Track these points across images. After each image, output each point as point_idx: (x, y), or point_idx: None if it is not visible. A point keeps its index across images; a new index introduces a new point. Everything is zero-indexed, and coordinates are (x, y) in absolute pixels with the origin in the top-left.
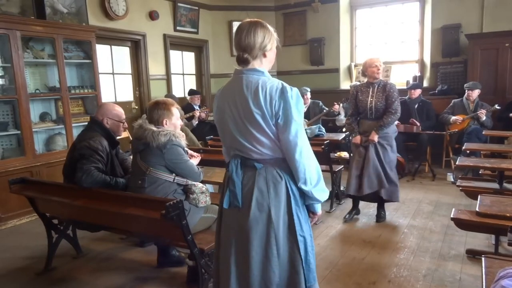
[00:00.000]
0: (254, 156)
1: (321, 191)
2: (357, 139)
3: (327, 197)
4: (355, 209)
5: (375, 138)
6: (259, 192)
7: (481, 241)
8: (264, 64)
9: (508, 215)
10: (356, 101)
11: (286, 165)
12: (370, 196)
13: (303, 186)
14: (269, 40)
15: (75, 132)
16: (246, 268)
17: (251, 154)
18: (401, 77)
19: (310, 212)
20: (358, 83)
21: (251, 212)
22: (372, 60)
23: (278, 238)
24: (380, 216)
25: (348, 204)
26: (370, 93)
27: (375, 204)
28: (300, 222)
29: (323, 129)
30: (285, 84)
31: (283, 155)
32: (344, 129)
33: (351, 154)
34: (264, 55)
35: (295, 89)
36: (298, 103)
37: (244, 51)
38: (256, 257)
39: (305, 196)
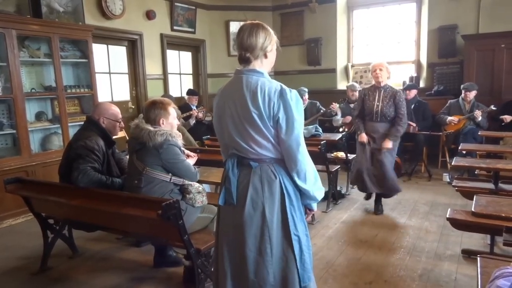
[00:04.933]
0: (251, 155)
1: (319, 189)
2: (363, 137)
3: (323, 195)
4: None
5: (390, 145)
6: (253, 190)
7: (476, 241)
8: (265, 65)
9: (503, 215)
10: (363, 103)
11: (281, 165)
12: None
13: (303, 185)
14: (270, 41)
15: (71, 132)
16: (242, 266)
17: (247, 153)
18: (397, 78)
19: (307, 209)
20: (356, 83)
21: (246, 210)
22: (374, 65)
23: (271, 236)
24: (378, 209)
25: (344, 204)
26: (377, 97)
27: (372, 204)
28: (294, 221)
29: (320, 129)
30: (284, 86)
31: (278, 156)
32: (341, 129)
33: (356, 152)
34: (265, 56)
35: (294, 91)
36: (297, 104)
37: (246, 51)
38: (251, 255)
39: (302, 195)
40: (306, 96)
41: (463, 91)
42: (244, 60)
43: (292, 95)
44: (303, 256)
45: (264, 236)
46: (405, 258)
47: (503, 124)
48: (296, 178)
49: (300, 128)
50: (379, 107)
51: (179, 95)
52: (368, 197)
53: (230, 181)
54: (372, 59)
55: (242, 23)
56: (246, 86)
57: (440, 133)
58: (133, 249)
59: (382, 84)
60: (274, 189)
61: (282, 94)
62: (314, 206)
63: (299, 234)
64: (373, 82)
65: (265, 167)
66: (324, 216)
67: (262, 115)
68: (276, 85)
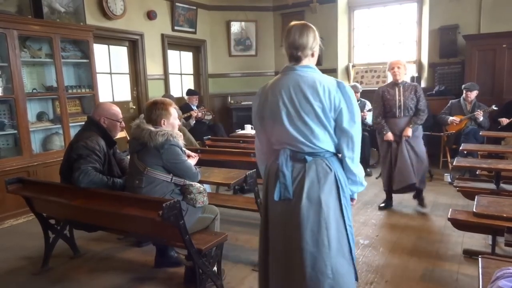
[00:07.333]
0: (306, 149)
1: (364, 175)
2: (389, 136)
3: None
4: (389, 201)
5: (409, 132)
6: (310, 183)
7: (478, 241)
8: (312, 63)
9: (505, 215)
10: (382, 101)
11: (334, 158)
12: (403, 188)
13: (355, 169)
14: (316, 41)
15: (72, 132)
16: (296, 260)
17: (303, 148)
18: None
19: (351, 198)
20: (358, 84)
21: (302, 203)
22: (392, 63)
23: (329, 228)
24: (422, 203)
25: None
26: (397, 92)
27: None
28: (347, 211)
29: None
30: (339, 80)
31: (332, 149)
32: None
33: (381, 156)
34: (312, 55)
35: (347, 84)
36: (354, 97)
37: (297, 50)
38: (308, 248)
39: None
40: None
41: (464, 91)
42: (295, 59)
43: (348, 88)
44: (351, 246)
45: (322, 228)
46: (406, 259)
47: (499, 127)
48: (350, 163)
49: (359, 118)
50: (401, 101)
51: (180, 95)
52: (415, 197)
53: (285, 176)
54: (373, 59)
55: (243, 23)
56: (302, 81)
57: (441, 133)
58: (134, 249)
59: (399, 81)
60: (330, 182)
61: (340, 87)
62: (356, 195)
63: (351, 224)
64: (390, 80)
65: (319, 161)
66: None
67: (324, 107)
68: (331, 79)
